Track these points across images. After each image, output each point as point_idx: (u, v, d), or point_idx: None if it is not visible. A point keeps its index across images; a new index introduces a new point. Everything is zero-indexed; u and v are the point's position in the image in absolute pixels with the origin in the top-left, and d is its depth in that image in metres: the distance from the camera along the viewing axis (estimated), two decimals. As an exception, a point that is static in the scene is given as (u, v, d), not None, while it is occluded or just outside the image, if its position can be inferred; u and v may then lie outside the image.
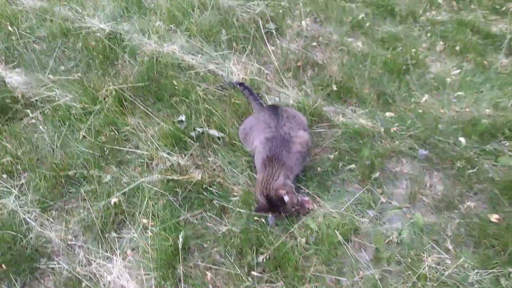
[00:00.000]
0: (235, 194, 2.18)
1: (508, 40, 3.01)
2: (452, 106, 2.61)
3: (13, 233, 2.00)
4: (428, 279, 1.84)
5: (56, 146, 2.37)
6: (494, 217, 2.05)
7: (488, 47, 3.02)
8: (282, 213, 2.03)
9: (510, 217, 2.04)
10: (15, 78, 2.86)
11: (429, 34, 3.14)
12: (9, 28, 3.22)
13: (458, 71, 2.82)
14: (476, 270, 1.86)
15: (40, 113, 2.56)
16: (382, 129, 2.47)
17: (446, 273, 1.85)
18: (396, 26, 3.24)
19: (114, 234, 2.05)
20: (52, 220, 2.08)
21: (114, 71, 2.84)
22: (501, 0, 3.46)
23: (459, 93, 2.69)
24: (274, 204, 1.99)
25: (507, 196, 2.12)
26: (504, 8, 3.38)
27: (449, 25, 3.17)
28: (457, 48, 2.99)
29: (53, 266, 1.94)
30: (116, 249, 2.00)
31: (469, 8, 3.37)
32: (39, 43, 3.12)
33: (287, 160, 2.10)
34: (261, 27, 3.08)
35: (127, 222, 2.09)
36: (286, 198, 1.96)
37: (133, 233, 2.04)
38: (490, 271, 1.85)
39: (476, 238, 1.98)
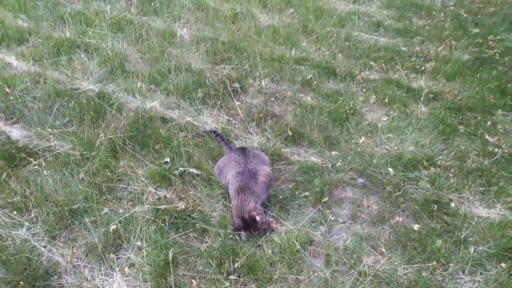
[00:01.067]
0: (213, 219, 2.68)
1: (426, 93, 3.79)
2: (383, 145, 3.28)
3: (28, 255, 2.38)
4: (367, 274, 2.37)
5: (59, 186, 2.80)
6: (416, 227, 2.65)
7: (410, 98, 3.77)
8: (254, 231, 2.53)
9: (428, 226, 2.65)
10: (16, 132, 3.30)
11: (364, 90, 3.89)
12: (7, 89, 3.68)
13: (387, 118, 3.53)
14: (403, 266, 2.41)
15: (43, 160, 3.00)
16: (330, 165, 3.08)
17: (381, 269, 2.40)
18: (337, 84, 3.97)
19: (113, 255, 2.47)
20: (60, 245, 2.49)
21: (104, 124, 3.34)
22: (420, 62, 4.31)
23: (389, 135, 3.37)
24: (247, 224, 2.50)
25: (426, 211, 2.73)
26: (422, 68, 4.22)
27: (378, 83, 3.93)
28: (386, 100, 3.73)
29: (62, 282, 2.33)
30: (116, 267, 2.41)
31: (395, 69, 4.18)
32: (35, 102, 3.58)
33: (255, 189, 2.64)
34: (228, 86, 3.72)
35: (124, 245, 2.52)
36: (257, 218, 2.48)
37: (129, 253, 2.47)
38: (414, 266, 2.41)
39: (403, 242, 2.56)
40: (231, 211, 2.65)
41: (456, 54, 4.35)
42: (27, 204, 2.68)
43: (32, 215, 2.63)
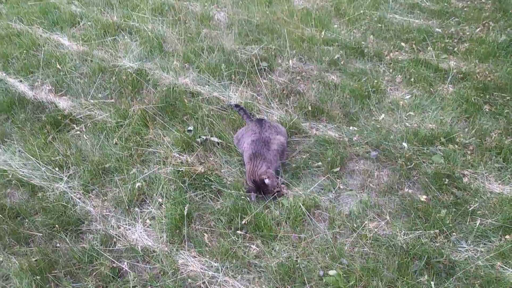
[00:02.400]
0: (229, 182, 2.89)
1: (454, 73, 3.76)
2: (403, 123, 3.31)
3: (64, 204, 2.73)
4: (367, 238, 2.47)
5: (96, 148, 3.14)
6: (423, 198, 2.70)
7: (437, 78, 3.75)
8: (265, 194, 2.72)
9: (436, 198, 2.69)
10: (63, 103, 3.70)
11: (391, 70, 3.91)
12: (58, 66, 4.11)
13: (409, 96, 3.55)
14: (404, 232, 2.50)
15: (83, 126, 3.36)
16: (346, 139, 3.19)
17: (382, 233, 2.50)
18: (365, 64, 4.02)
19: (137, 209, 2.76)
20: (92, 197, 2.81)
21: (139, 97, 3.65)
22: (453, 43, 4.24)
23: (410, 113, 3.40)
24: (259, 186, 2.69)
25: (436, 184, 2.77)
26: (455, 49, 4.15)
27: (406, 63, 3.92)
28: (412, 79, 3.73)
29: (92, 228, 2.65)
30: (139, 218, 2.70)
31: (426, 50, 4.15)
32: (82, 77, 3.97)
33: (267, 155, 2.82)
34: (256, 65, 3.90)
35: (147, 201, 2.80)
36: (267, 181, 2.66)
37: (151, 208, 2.75)
38: (416, 232, 2.49)
39: (407, 211, 2.63)
40: (245, 176, 2.85)
41: (492, 35, 4.22)
42: (67, 162, 3.04)
43: (71, 172, 2.99)
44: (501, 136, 3.10)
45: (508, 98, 3.45)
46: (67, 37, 4.63)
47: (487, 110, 3.37)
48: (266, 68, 3.96)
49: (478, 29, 4.40)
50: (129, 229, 2.65)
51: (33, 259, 2.42)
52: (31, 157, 3.04)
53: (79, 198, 2.83)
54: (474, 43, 4.16)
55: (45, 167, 2.99)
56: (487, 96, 3.50)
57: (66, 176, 2.96)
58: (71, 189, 2.88)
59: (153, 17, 4.74)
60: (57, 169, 3.00)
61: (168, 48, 4.35)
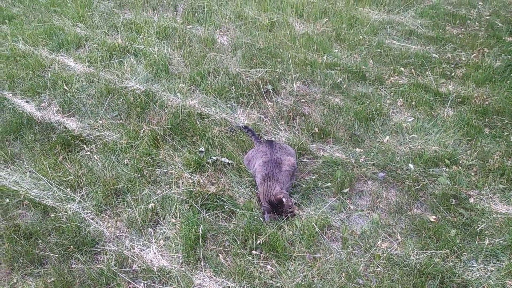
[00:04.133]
0: (241, 203, 2.93)
1: (454, 97, 3.89)
2: (407, 144, 3.41)
3: (78, 225, 2.73)
4: (380, 257, 2.52)
5: (107, 169, 3.16)
6: (432, 218, 2.78)
7: (437, 102, 3.88)
8: (280, 214, 2.76)
9: (445, 218, 2.76)
10: (72, 124, 3.72)
11: (392, 94, 4.04)
12: (65, 87, 4.15)
13: (412, 119, 3.66)
14: (416, 252, 2.55)
15: (94, 147, 3.38)
16: (353, 160, 3.27)
17: (394, 253, 2.55)
18: (366, 87, 4.14)
19: (150, 229, 2.77)
20: (106, 218, 2.82)
21: (148, 118, 3.70)
22: (450, 68, 4.40)
23: (413, 135, 3.50)
24: (275, 206, 2.74)
25: (444, 204, 2.85)
26: (452, 74, 4.30)
27: (406, 87, 4.06)
28: (413, 103, 3.86)
29: (106, 249, 2.65)
30: (152, 239, 2.71)
31: (424, 75, 4.29)
32: (89, 98, 4.01)
33: (279, 176, 2.88)
34: (261, 87, 4.00)
35: (160, 221, 2.82)
36: (284, 200, 2.71)
37: (165, 228, 2.76)
38: (427, 252, 2.54)
39: (418, 231, 2.69)
40: (258, 197, 2.89)
41: (488, 61, 4.39)
42: (79, 182, 3.06)
43: (83, 192, 3.00)
44: (502, 158, 3.21)
45: (506, 121, 3.58)
46: (73, 59, 4.68)
47: (487, 133, 3.49)
48: (271, 91, 4.06)
49: (474, 55, 4.57)
50: (144, 250, 2.66)
51: (49, 280, 2.41)
52: (43, 177, 3.05)
53: (92, 219, 2.83)
54: (471, 69, 4.32)
55: (57, 187, 3.00)
56: (487, 120, 3.63)
57: (78, 196, 2.97)
58: (84, 210, 2.89)
59: (158, 40, 4.83)
60: (69, 189, 3.02)
61: (174, 70, 4.43)
